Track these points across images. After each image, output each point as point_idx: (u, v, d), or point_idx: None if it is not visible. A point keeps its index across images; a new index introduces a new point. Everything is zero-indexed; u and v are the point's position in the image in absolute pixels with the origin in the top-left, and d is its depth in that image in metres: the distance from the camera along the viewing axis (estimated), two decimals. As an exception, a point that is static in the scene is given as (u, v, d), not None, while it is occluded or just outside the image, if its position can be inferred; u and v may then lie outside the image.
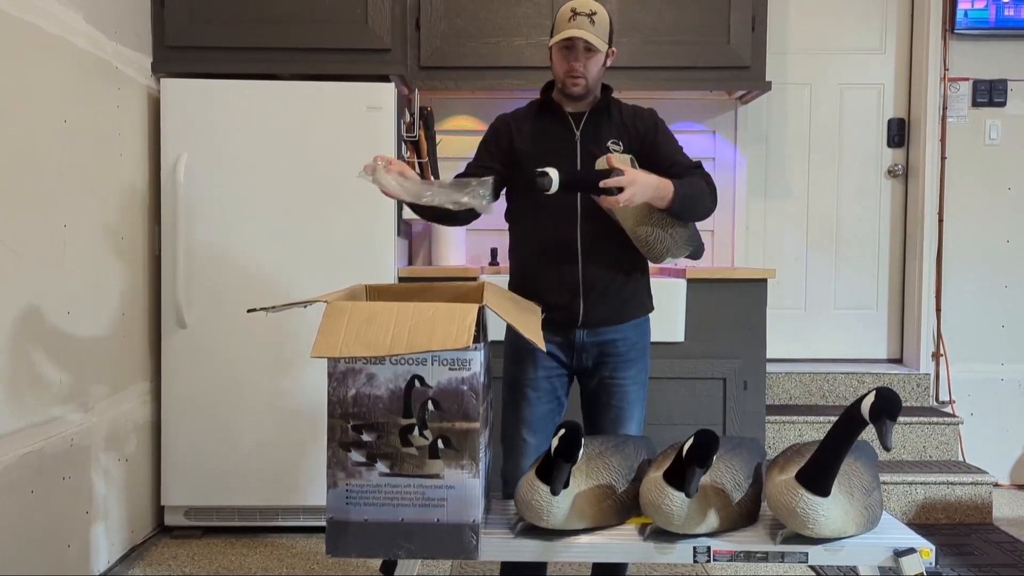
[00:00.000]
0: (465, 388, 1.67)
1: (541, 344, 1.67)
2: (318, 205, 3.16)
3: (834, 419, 3.71)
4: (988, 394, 3.97)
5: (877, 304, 4.08)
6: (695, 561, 1.79)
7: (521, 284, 2.28)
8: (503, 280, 3.30)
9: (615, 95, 2.31)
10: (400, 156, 3.30)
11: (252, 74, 3.21)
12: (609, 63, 2.24)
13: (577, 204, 2.18)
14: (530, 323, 1.78)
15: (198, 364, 3.14)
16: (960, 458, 3.70)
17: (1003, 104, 3.95)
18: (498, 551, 1.79)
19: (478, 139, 2.34)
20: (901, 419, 3.68)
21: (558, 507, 1.76)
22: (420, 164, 3.51)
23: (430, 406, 1.67)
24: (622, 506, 1.89)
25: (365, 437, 1.68)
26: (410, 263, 3.81)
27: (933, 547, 1.80)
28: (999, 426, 3.97)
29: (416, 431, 1.67)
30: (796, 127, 4.03)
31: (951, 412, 3.89)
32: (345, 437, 1.69)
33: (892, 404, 1.67)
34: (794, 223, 4.06)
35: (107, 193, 2.84)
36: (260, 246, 3.16)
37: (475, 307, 1.64)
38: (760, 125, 4.00)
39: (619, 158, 2.06)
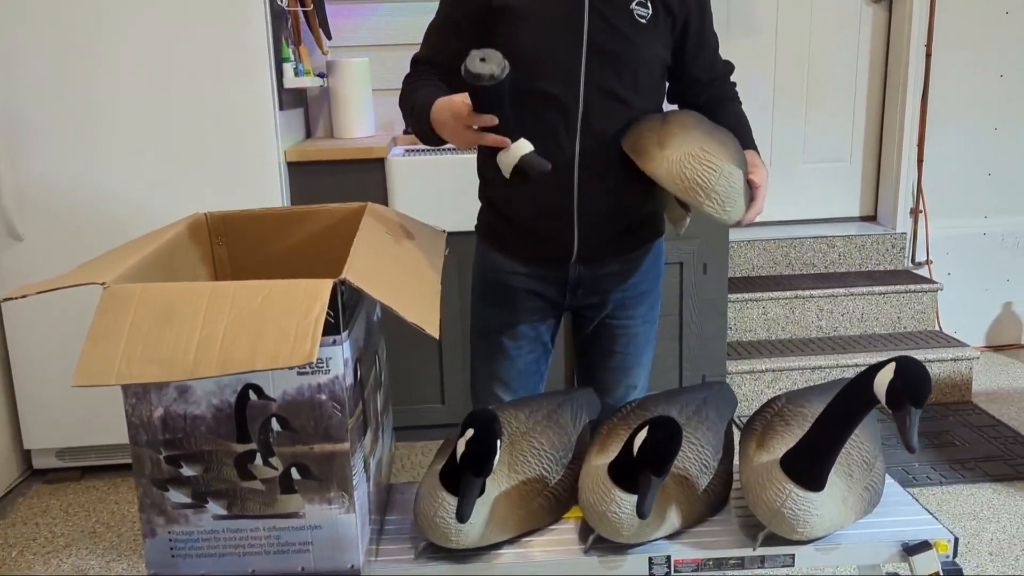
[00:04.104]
0: (323, 397, 1.16)
1: (434, 331, 1.15)
2: (174, 76, 2.48)
3: (801, 293, 3.37)
4: (969, 251, 3.57)
5: (851, 155, 3.58)
6: (651, 574, 1.39)
7: (494, 205, 1.68)
8: (421, 159, 2.73)
9: None
10: (276, 6, 2.60)
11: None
12: None
13: (579, 98, 1.52)
14: (420, 296, 1.25)
15: (45, 282, 2.56)
16: (937, 327, 3.35)
17: (1008, -92, 3.31)
18: (393, 584, 1.35)
19: None
20: (875, 287, 3.28)
21: (471, 524, 1.32)
22: (305, 12, 2.81)
23: (275, 425, 1.17)
24: (556, 501, 1.46)
25: (187, 471, 1.18)
26: (309, 135, 3.17)
27: (953, 537, 1.41)
28: (978, 286, 3.60)
29: (259, 459, 1.18)
30: (764, -55, 3.36)
31: (928, 275, 3.51)
32: (158, 472, 1.19)
33: (919, 385, 1.21)
34: (760, 65, 3.46)
35: None
36: (106, 133, 2.50)
37: (328, 285, 1.10)
38: (721, -56, 3.31)
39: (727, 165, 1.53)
